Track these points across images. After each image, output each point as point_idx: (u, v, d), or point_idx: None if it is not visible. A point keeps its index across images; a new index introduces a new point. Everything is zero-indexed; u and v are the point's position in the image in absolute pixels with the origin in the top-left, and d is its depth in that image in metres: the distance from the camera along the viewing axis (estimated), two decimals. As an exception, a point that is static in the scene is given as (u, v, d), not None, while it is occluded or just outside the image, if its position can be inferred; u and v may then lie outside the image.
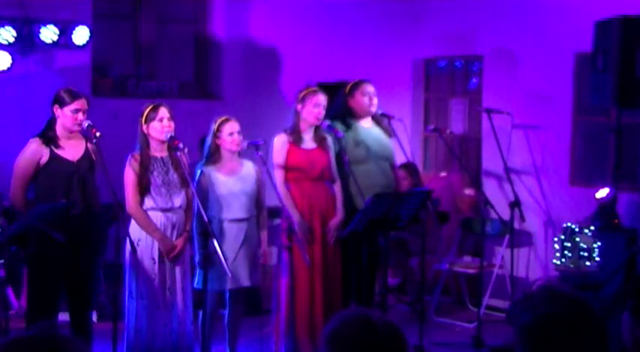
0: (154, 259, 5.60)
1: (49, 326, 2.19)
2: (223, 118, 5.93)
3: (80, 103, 5.55)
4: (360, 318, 2.27)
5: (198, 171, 5.84)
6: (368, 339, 2.22)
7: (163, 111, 5.65)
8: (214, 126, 5.88)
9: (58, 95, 5.58)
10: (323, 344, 2.25)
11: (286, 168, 6.15)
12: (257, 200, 5.97)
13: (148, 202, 5.61)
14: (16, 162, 5.57)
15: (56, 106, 5.56)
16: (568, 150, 7.87)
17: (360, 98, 6.43)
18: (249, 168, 5.98)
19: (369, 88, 6.46)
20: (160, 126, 5.62)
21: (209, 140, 5.89)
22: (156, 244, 5.60)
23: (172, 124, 5.66)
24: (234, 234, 5.83)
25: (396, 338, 2.25)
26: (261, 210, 6.01)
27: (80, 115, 5.53)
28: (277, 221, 6.74)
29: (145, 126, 5.65)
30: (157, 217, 5.63)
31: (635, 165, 7.29)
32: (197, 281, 5.78)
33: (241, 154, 5.98)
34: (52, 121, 5.58)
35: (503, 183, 7.92)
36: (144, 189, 5.59)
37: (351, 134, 6.38)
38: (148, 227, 5.59)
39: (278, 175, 6.15)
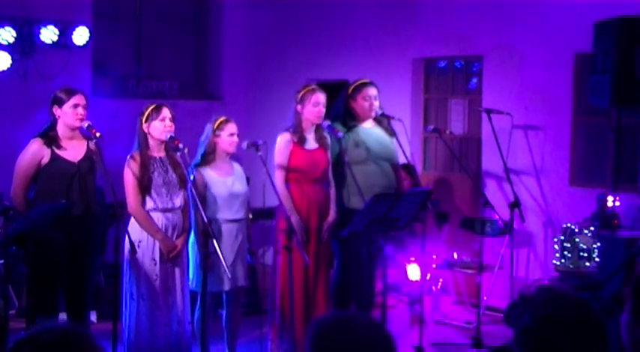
0: (154, 260, 5.60)
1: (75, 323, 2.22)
2: (223, 119, 5.92)
3: (78, 98, 5.57)
4: (342, 321, 2.28)
5: (192, 173, 5.82)
6: (352, 341, 2.23)
7: (166, 112, 5.66)
8: (213, 125, 5.88)
9: (55, 96, 5.60)
10: (307, 347, 2.26)
11: (288, 168, 6.15)
12: (247, 201, 6.00)
13: (149, 203, 5.61)
14: (18, 162, 5.58)
15: (55, 107, 5.58)
16: (568, 150, 7.88)
17: (362, 102, 6.43)
18: (238, 169, 6.00)
19: (372, 92, 6.44)
20: (162, 125, 5.63)
21: (207, 139, 5.88)
22: (157, 245, 5.60)
23: (173, 126, 5.67)
24: (233, 234, 5.84)
25: (380, 338, 2.26)
26: (248, 211, 6.04)
27: (80, 110, 5.55)
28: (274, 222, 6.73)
29: (145, 125, 5.65)
30: (158, 218, 5.63)
31: (634, 165, 7.29)
32: (193, 283, 5.79)
33: (233, 156, 5.99)
34: (53, 123, 5.59)
35: (503, 183, 7.92)
36: (144, 189, 5.59)
37: (351, 135, 6.38)
38: (149, 227, 5.59)
39: (279, 175, 6.15)
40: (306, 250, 6.00)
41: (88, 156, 5.64)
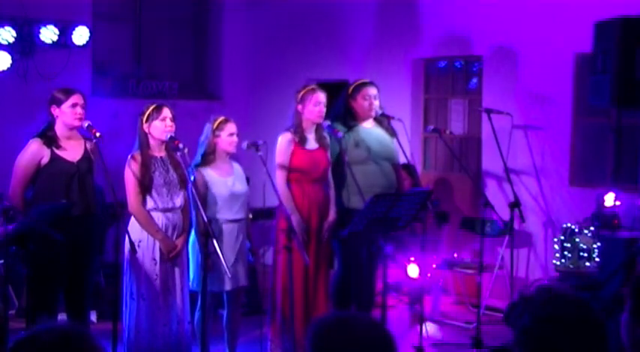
0: (155, 260, 5.60)
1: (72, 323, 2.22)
2: (222, 118, 5.92)
3: (76, 98, 5.57)
4: (342, 321, 2.28)
5: (192, 174, 5.81)
6: (352, 341, 2.23)
7: (167, 112, 5.67)
8: (213, 125, 5.87)
9: (52, 96, 5.60)
10: (307, 347, 2.26)
11: (289, 168, 6.15)
12: (247, 201, 6.00)
13: (150, 202, 5.61)
14: (17, 162, 5.57)
15: (53, 107, 5.57)
16: (568, 150, 7.88)
17: (361, 101, 6.43)
18: (238, 168, 6.00)
19: (371, 91, 6.45)
20: (163, 125, 5.63)
21: (207, 139, 5.88)
22: (157, 245, 5.60)
23: (174, 126, 5.67)
24: (234, 234, 5.84)
25: (380, 338, 2.26)
26: (248, 211, 6.05)
27: (79, 109, 5.55)
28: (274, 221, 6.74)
29: (146, 125, 5.65)
30: (158, 218, 5.63)
31: (635, 165, 7.29)
32: (194, 283, 5.79)
33: (233, 156, 5.99)
34: (51, 123, 5.59)
35: (503, 183, 7.93)
36: (145, 188, 5.59)
37: (352, 135, 6.38)
38: (150, 227, 5.59)
39: (280, 175, 6.15)
40: (307, 250, 6.00)
41: (86, 155, 5.65)
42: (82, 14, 8.50)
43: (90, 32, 8.20)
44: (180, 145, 5.56)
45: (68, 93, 5.59)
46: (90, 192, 5.64)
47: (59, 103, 5.56)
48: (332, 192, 6.29)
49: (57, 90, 5.65)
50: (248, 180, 6.13)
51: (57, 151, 5.55)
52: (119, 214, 5.49)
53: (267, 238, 7.36)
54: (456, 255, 8.29)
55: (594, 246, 7.15)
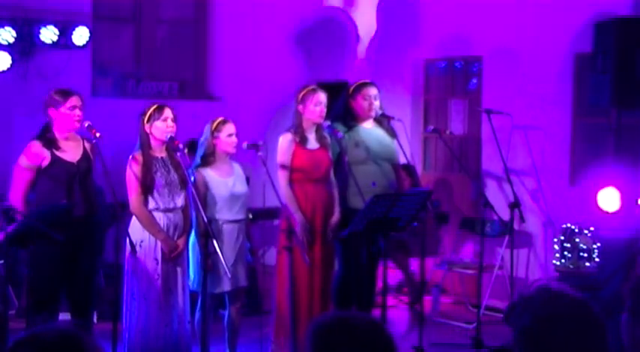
0: (157, 260, 5.60)
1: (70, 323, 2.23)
2: (221, 119, 5.91)
3: (74, 100, 5.55)
4: (342, 321, 2.28)
5: (193, 174, 5.81)
6: (352, 341, 2.23)
7: (168, 112, 5.66)
8: (212, 126, 5.86)
9: (50, 98, 5.56)
10: (307, 347, 2.26)
11: (291, 169, 6.15)
12: (247, 201, 6.00)
13: (151, 203, 5.61)
14: (17, 164, 5.54)
15: (51, 109, 5.54)
16: (568, 150, 7.88)
17: (361, 101, 6.43)
18: (238, 169, 5.99)
19: (371, 92, 6.45)
20: (164, 125, 5.62)
21: (206, 141, 5.87)
22: (159, 245, 5.60)
23: (175, 126, 5.67)
24: (234, 235, 5.83)
25: (379, 337, 2.26)
26: (247, 212, 6.04)
27: (77, 111, 5.53)
28: (277, 221, 6.74)
29: (147, 126, 5.64)
30: (159, 218, 5.63)
31: (635, 165, 7.29)
32: (194, 284, 5.78)
33: (233, 156, 5.98)
34: (48, 124, 5.57)
35: (503, 183, 7.93)
36: (147, 189, 5.59)
37: (352, 135, 6.39)
38: (152, 227, 5.59)
39: (282, 176, 6.14)
40: (312, 251, 6.01)
41: (86, 155, 5.64)
42: (82, 14, 8.49)
43: (90, 32, 8.20)
44: (180, 145, 5.56)
45: (66, 95, 5.56)
46: (91, 192, 5.64)
47: (57, 105, 5.53)
48: (335, 192, 6.28)
49: (54, 91, 5.62)
50: (248, 180, 6.12)
51: (57, 153, 5.54)
52: (119, 215, 5.48)
53: (268, 238, 7.36)
54: (456, 255, 8.28)
55: (594, 246, 7.15)
